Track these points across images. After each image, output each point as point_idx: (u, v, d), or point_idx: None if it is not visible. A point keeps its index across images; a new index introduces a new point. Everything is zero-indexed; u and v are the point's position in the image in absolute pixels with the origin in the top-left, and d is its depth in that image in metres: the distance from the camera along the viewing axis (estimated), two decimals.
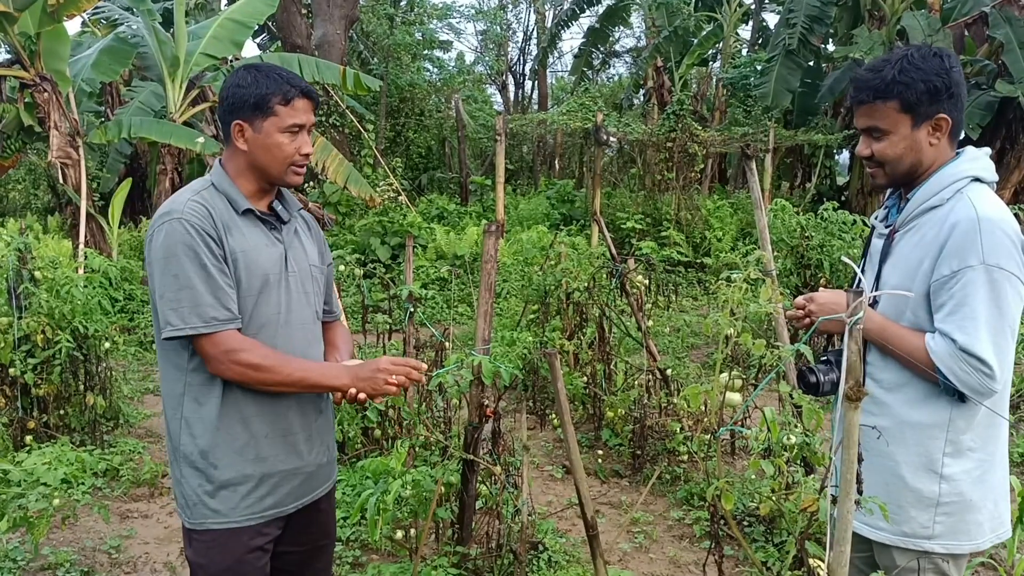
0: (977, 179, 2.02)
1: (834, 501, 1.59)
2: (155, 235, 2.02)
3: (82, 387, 5.20)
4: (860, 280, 1.99)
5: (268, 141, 2.09)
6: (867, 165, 2.13)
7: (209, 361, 2.00)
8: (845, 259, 1.54)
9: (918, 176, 2.08)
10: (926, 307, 2.00)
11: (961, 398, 1.97)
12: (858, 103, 2.06)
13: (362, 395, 2.09)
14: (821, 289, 2.14)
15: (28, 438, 4.75)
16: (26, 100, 9.13)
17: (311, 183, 13.22)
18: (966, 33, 12.68)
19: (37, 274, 5.00)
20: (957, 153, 2.07)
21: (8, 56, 9.08)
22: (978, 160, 2.05)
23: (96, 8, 10.28)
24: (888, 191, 2.25)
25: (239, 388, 2.06)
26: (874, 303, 2.11)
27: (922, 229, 2.04)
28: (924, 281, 1.99)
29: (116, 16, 10.41)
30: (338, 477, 4.56)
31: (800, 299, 2.18)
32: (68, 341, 4.86)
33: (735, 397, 2.07)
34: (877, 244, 2.19)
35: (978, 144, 2.12)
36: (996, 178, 2.09)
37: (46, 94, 8.48)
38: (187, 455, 2.07)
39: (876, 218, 2.25)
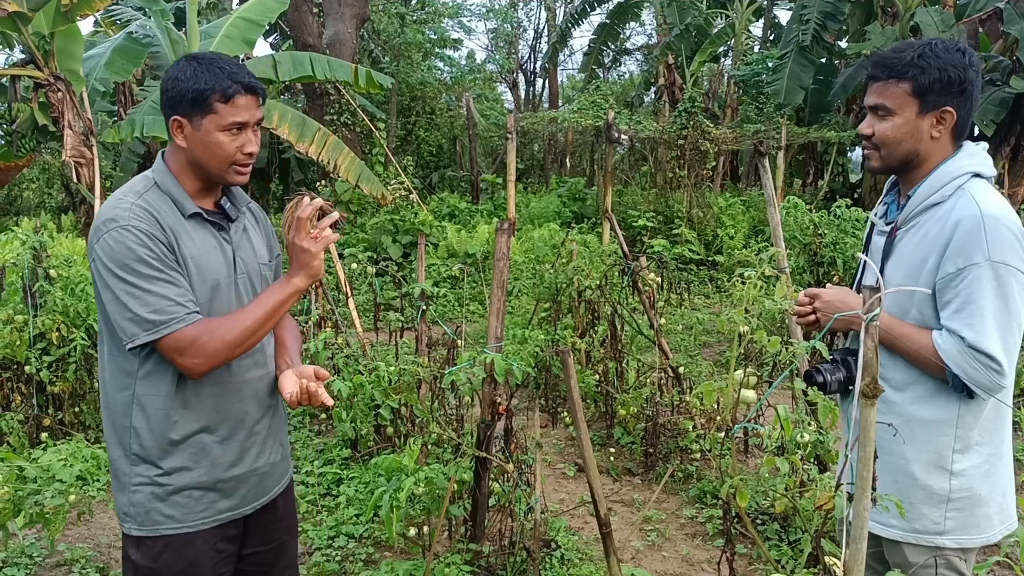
0: (977, 175, 2.03)
1: (850, 499, 1.58)
2: (101, 243, 1.92)
3: (97, 384, 5.23)
4: (876, 277, 1.98)
5: (207, 139, 1.98)
6: (865, 146, 2.14)
7: (182, 356, 1.90)
8: (861, 255, 1.53)
9: (912, 166, 2.09)
10: (932, 304, 2.01)
11: (969, 395, 1.98)
12: (872, 79, 2.08)
13: (303, 391, 2.07)
14: (828, 285, 2.14)
15: (44, 435, 4.78)
16: (40, 100, 9.18)
17: (323, 181, 13.25)
18: (980, 29, 12.58)
19: (52, 272, 5.04)
20: (957, 149, 2.08)
21: (22, 56, 9.14)
22: (976, 156, 2.06)
23: (109, 8, 10.34)
24: (886, 188, 2.26)
25: (194, 394, 2.00)
26: None
27: (924, 226, 2.04)
28: (929, 279, 2.00)
29: (128, 16, 10.47)
30: (351, 474, 4.60)
31: (803, 296, 2.17)
32: (83, 339, 4.89)
33: (750, 394, 2.07)
34: (879, 242, 2.19)
35: (993, 141, 2.12)
36: (995, 173, 2.10)
37: (60, 94, 8.52)
38: (137, 463, 2.00)
39: (875, 215, 2.25)
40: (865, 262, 2.21)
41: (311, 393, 2.05)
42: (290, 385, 2.11)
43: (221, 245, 2.07)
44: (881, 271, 2.13)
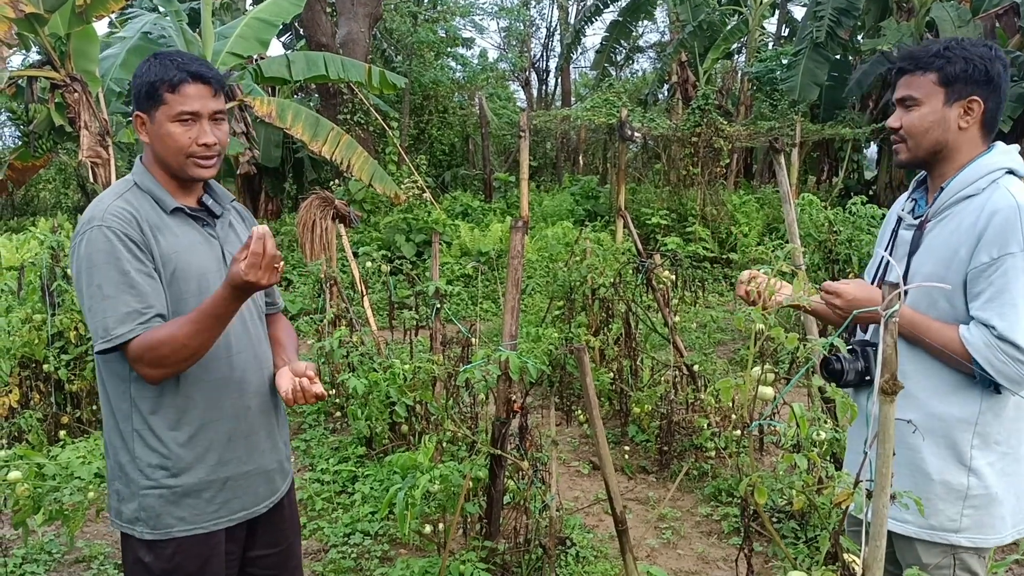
0: (1011, 171, 2.03)
1: (869, 496, 1.57)
2: (78, 245, 1.93)
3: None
4: (896, 272, 1.97)
5: (161, 131, 1.98)
6: (893, 140, 2.15)
7: (135, 364, 1.90)
8: (884, 254, 1.52)
9: (941, 159, 2.08)
10: (963, 295, 1.99)
11: (996, 389, 1.96)
12: (899, 72, 2.11)
13: (297, 388, 2.05)
14: (845, 281, 2.12)
15: (62, 433, 4.82)
16: (57, 100, 9.26)
17: (336, 180, 13.29)
18: (997, 24, 12.47)
19: (70, 272, 5.08)
20: (990, 147, 2.07)
21: (39, 57, 9.21)
22: (1010, 154, 2.06)
23: (123, 10, 10.41)
24: (913, 185, 2.23)
25: (194, 392, 2.00)
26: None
27: (956, 218, 2.03)
28: (960, 269, 1.98)
29: (144, 18, 10.53)
30: (366, 472, 4.62)
31: (826, 290, 2.14)
32: None
33: (767, 391, 2.06)
34: (905, 236, 2.16)
35: (1009, 137, 2.10)
36: None
37: (76, 94, 8.58)
38: (145, 467, 1.99)
39: (903, 210, 2.23)
40: (888, 258, 2.19)
41: (304, 389, 2.06)
42: (285, 383, 2.12)
43: (207, 240, 2.08)
44: (908, 264, 2.11)
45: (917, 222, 2.13)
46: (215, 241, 2.10)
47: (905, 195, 2.28)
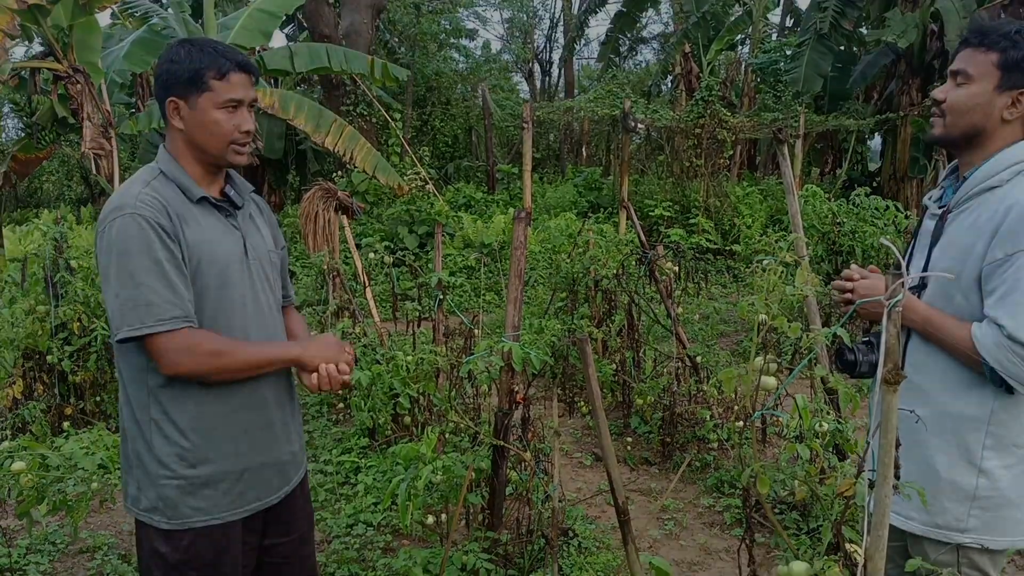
0: None
1: (871, 486, 1.57)
2: (107, 230, 1.91)
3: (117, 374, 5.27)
4: (900, 262, 1.95)
5: (204, 118, 2.00)
6: (933, 113, 2.07)
7: (163, 356, 1.90)
8: (884, 241, 1.51)
9: (974, 145, 2.01)
10: (978, 291, 1.93)
11: (1008, 390, 1.91)
12: (963, 44, 2.02)
13: (324, 374, 2.10)
14: (854, 267, 2.09)
15: (66, 424, 4.83)
16: (59, 92, 9.26)
17: (339, 172, 13.28)
18: (1002, 15, 12.40)
19: (73, 263, 5.09)
20: None
21: (42, 48, 9.20)
22: None
23: (125, 1, 10.39)
24: (944, 173, 2.17)
25: (217, 385, 2.00)
26: (923, 287, 2.05)
27: (977, 210, 1.96)
28: (976, 264, 1.91)
29: (145, 8, 10.52)
30: (369, 463, 4.62)
31: (844, 283, 2.09)
32: (104, 329, 4.94)
33: (770, 381, 2.05)
34: (928, 225, 2.10)
35: None
36: None
37: (79, 86, 8.59)
38: (162, 457, 1.98)
39: (930, 199, 2.16)
40: (913, 248, 2.15)
41: (331, 376, 2.07)
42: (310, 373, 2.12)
43: (231, 231, 2.08)
44: (929, 255, 2.05)
45: (940, 212, 2.07)
46: (238, 232, 2.09)
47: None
